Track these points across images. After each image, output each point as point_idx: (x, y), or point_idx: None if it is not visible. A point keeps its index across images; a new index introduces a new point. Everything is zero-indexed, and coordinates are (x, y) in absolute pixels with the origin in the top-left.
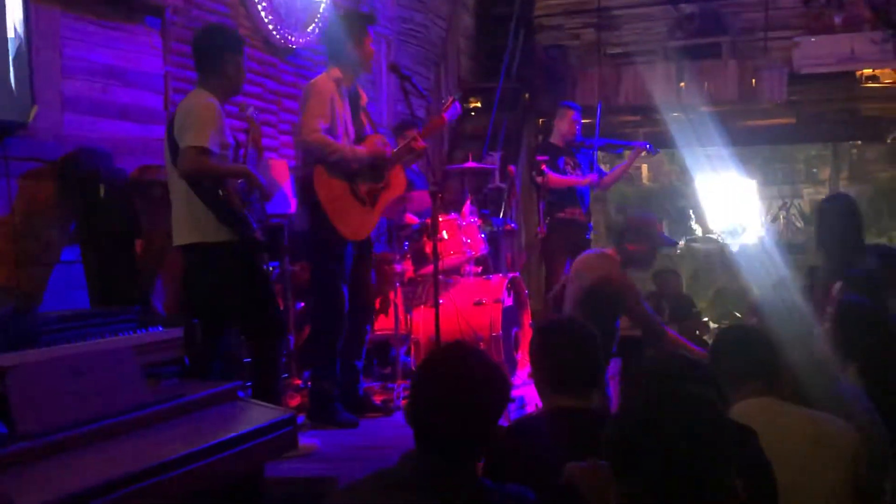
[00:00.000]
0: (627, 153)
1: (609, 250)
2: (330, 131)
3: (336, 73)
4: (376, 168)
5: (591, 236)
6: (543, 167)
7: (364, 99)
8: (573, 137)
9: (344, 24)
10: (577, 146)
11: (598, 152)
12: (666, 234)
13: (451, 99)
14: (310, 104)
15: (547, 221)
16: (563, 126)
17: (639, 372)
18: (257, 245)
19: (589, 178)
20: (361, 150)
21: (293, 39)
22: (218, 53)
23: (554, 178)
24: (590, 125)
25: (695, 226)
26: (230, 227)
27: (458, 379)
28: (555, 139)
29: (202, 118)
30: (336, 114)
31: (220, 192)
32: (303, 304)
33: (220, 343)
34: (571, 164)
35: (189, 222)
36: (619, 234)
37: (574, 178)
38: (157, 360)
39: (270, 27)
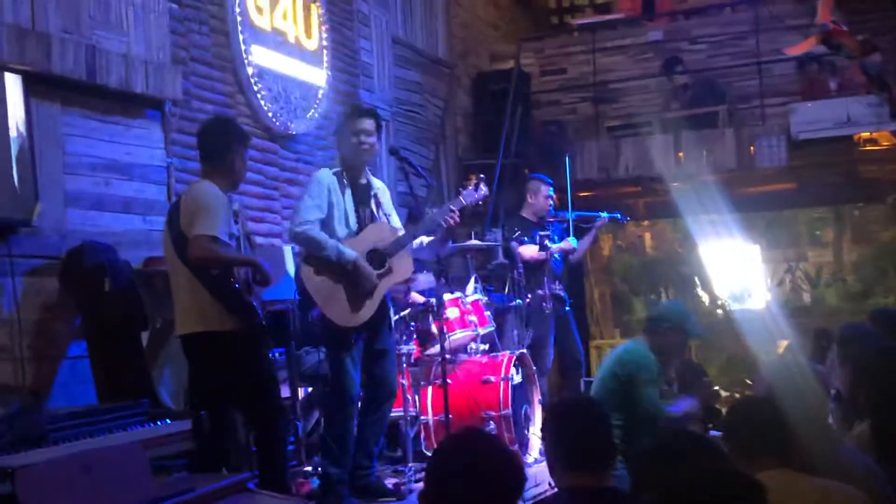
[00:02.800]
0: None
1: (641, 337)
2: (325, 223)
3: (339, 164)
4: (374, 257)
5: (569, 307)
6: (518, 242)
7: (379, 189)
8: (546, 212)
9: (341, 117)
10: (549, 220)
11: (571, 225)
12: (691, 321)
13: (472, 180)
14: (304, 196)
15: (528, 298)
16: (538, 201)
17: (648, 450)
18: (264, 333)
19: (564, 245)
20: (349, 252)
21: (293, 126)
22: (225, 146)
23: (529, 250)
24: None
25: (701, 293)
26: (237, 316)
27: (473, 466)
28: (526, 213)
29: (211, 208)
30: (334, 205)
31: (232, 281)
32: (309, 388)
33: (226, 433)
34: (546, 238)
35: (193, 312)
36: (651, 321)
37: (543, 252)
38: (167, 453)
39: (270, 115)
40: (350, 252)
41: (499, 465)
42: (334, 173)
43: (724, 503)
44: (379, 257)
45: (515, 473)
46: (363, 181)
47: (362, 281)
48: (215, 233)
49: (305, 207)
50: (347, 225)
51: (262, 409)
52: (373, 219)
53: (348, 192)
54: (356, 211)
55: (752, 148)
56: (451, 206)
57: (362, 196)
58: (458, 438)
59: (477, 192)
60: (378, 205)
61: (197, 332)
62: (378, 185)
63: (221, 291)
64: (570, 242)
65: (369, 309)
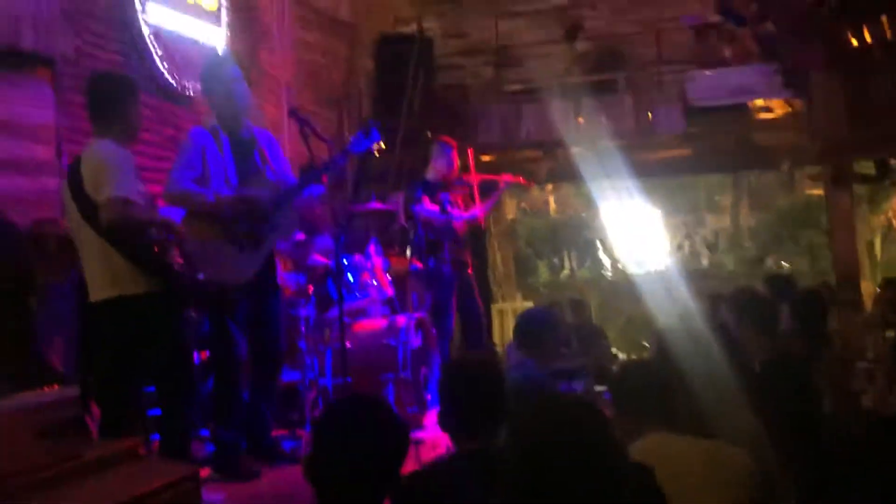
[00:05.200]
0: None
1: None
2: (202, 180)
3: (213, 119)
4: (256, 210)
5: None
6: (421, 202)
7: (264, 141)
8: (450, 176)
9: (210, 67)
10: (452, 184)
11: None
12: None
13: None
14: (178, 156)
15: (432, 262)
16: (441, 165)
17: (530, 413)
18: (183, 294)
19: (472, 213)
20: (230, 196)
21: (190, 87)
22: (118, 100)
23: (428, 209)
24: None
25: (602, 256)
26: (154, 277)
27: (354, 432)
28: (430, 177)
29: (117, 168)
30: (209, 162)
31: (148, 242)
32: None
33: (136, 399)
34: (450, 202)
35: (107, 277)
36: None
37: (455, 214)
38: (54, 419)
39: (167, 75)
40: (226, 192)
41: (380, 430)
42: (210, 129)
43: (585, 462)
44: (260, 213)
45: (398, 439)
46: (246, 135)
47: (253, 210)
48: (126, 194)
49: (176, 168)
50: (227, 182)
51: (173, 373)
52: (256, 173)
53: (227, 147)
54: (237, 166)
55: (649, 114)
56: (337, 158)
57: (244, 150)
58: (340, 405)
59: (369, 139)
60: (263, 158)
61: (112, 296)
62: (264, 136)
63: (136, 254)
64: (475, 212)
65: (254, 264)
